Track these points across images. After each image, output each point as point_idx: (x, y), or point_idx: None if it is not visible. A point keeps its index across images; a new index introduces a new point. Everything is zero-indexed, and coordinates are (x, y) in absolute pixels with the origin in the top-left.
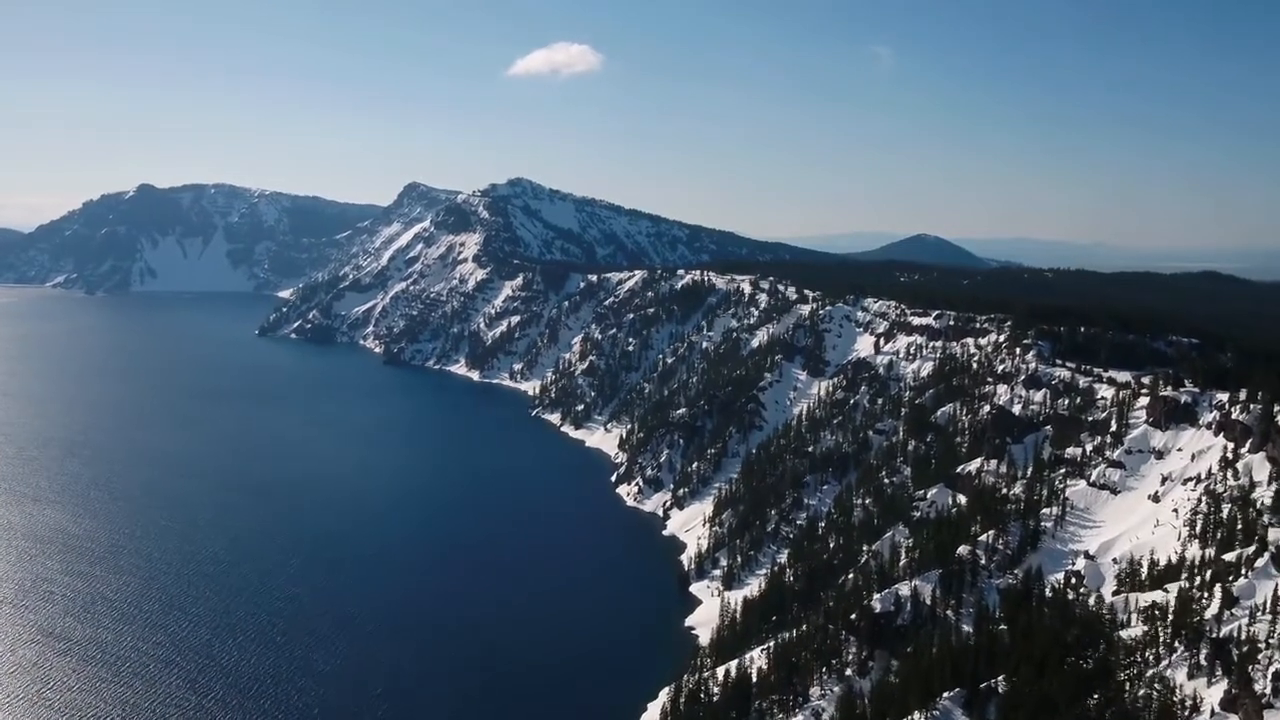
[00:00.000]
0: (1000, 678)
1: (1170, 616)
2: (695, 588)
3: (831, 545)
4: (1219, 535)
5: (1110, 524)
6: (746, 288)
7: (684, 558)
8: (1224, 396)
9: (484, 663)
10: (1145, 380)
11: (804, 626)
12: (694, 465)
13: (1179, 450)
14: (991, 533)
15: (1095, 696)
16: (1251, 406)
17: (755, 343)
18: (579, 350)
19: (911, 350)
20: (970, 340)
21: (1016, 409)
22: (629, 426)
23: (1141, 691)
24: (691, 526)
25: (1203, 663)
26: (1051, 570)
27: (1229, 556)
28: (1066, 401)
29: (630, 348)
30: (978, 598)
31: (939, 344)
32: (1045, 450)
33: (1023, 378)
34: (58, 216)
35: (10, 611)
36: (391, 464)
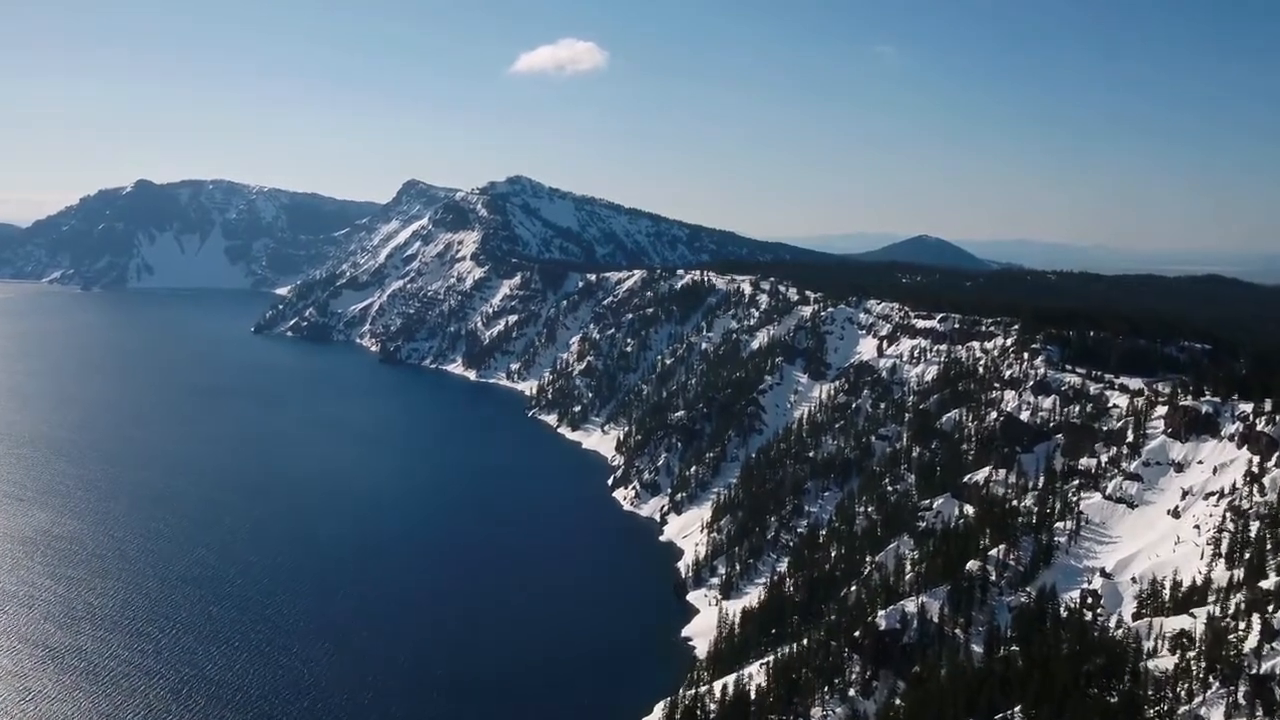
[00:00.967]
0: (1017, 709)
1: (1202, 647)
2: (692, 596)
3: (833, 555)
4: (1247, 556)
5: (1127, 540)
6: (747, 288)
7: (681, 565)
8: (1247, 407)
9: (473, 671)
10: (1159, 388)
11: (805, 641)
12: (692, 469)
13: (1200, 463)
14: (1002, 547)
15: None
16: (1277, 418)
17: (755, 344)
18: (577, 350)
19: (915, 354)
20: (976, 344)
21: (1025, 416)
22: (626, 428)
23: None
24: (689, 532)
25: (1241, 701)
26: (1065, 588)
27: (1267, 584)
28: (1077, 409)
29: (629, 348)
30: (988, 616)
31: (943, 347)
32: (1057, 460)
33: (1031, 383)
34: (55, 212)
35: None
36: (384, 465)
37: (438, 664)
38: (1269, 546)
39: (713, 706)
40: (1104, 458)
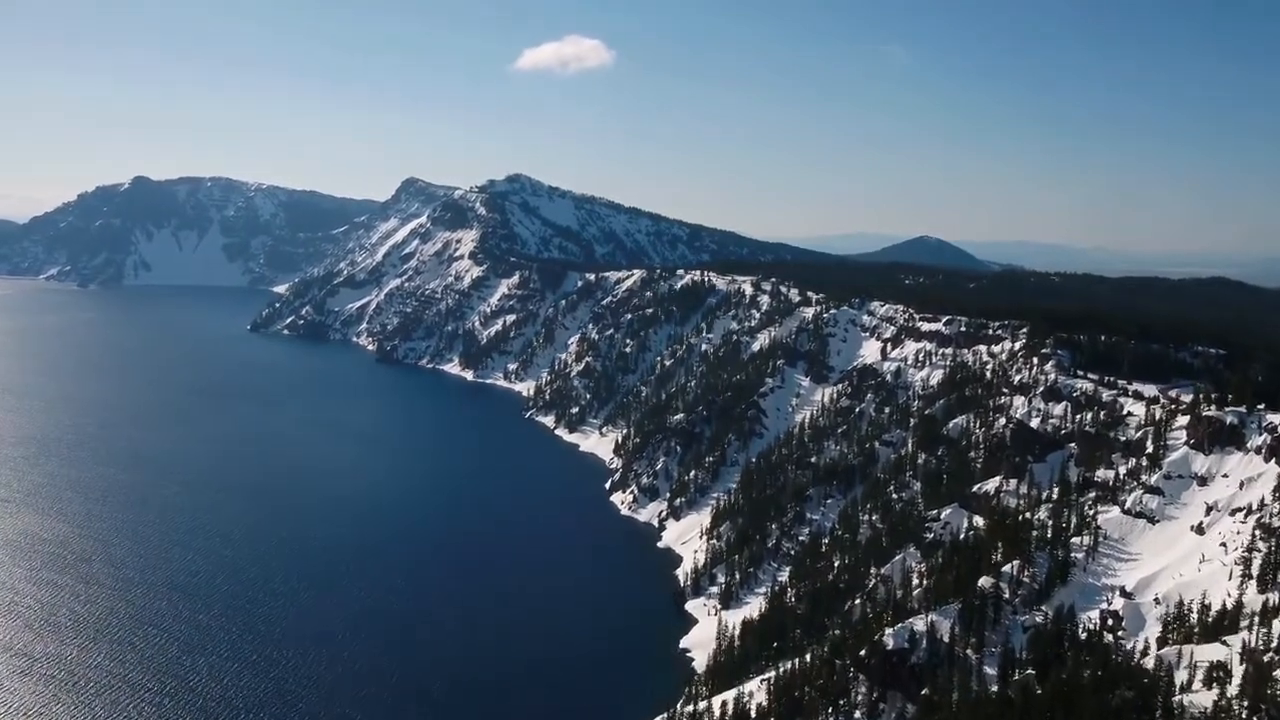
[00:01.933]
0: None
1: (1240, 682)
2: (691, 605)
3: (836, 564)
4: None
5: (1148, 557)
6: (748, 289)
7: (680, 573)
8: (1275, 418)
9: (467, 683)
10: (1174, 395)
11: (807, 657)
12: (691, 474)
13: (1224, 476)
14: (1016, 563)
15: None
16: None
17: (756, 346)
18: (575, 351)
19: (920, 357)
20: (983, 348)
21: (1035, 423)
22: (625, 431)
23: None
24: (688, 539)
25: None
26: (1083, 607)
27: None
28: (1090, 416)
29: (627, 349)
30: (1002, 637)
31: (949, 351)
32: (1071, 471)
33: (1041, 389)
34: (53, 208)
35: None
36: (378, 468)
37: (430, 676)
38: None
39: None
40: (1122, 469)
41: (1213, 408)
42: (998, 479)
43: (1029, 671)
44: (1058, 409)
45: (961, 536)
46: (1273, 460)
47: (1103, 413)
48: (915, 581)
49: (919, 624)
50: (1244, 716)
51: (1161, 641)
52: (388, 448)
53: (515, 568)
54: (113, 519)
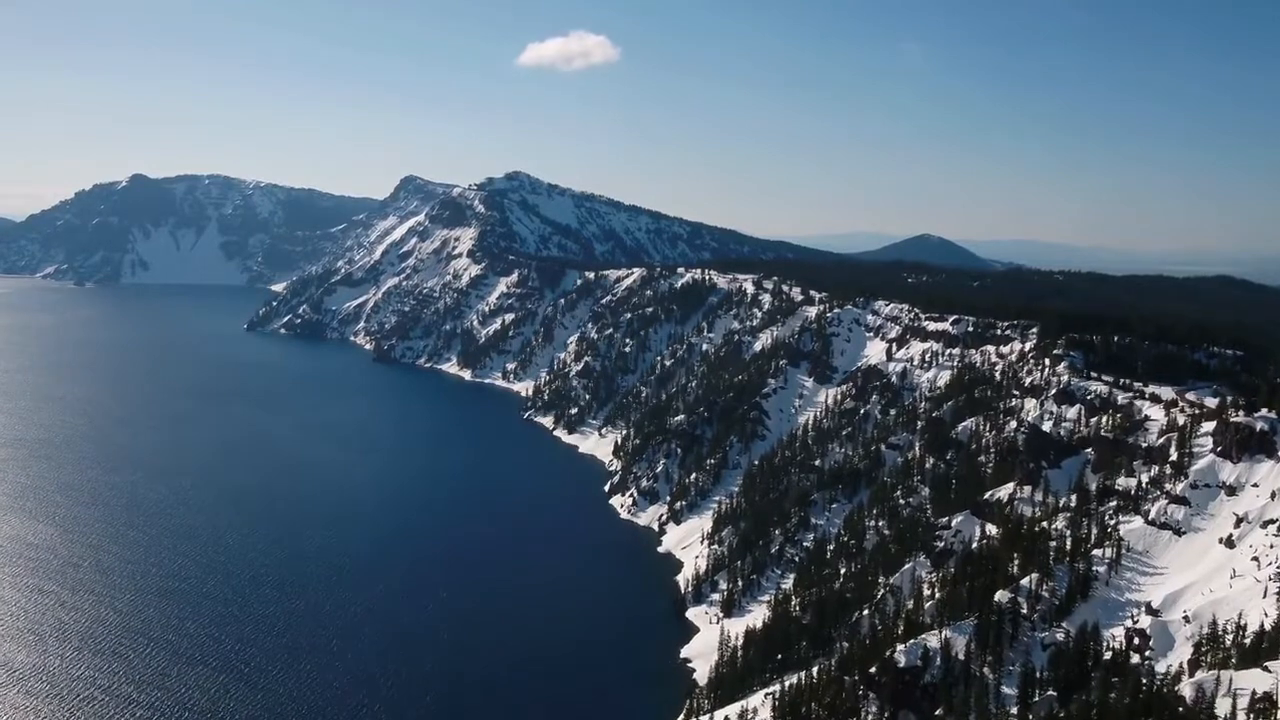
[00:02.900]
0: None
1: None
2: (692, 613)
3: (842, 572)
4: None
5: (1175, 571)
6: (749, 287)
7: (680, 579)
8: None
9: (462, 693)
10: (1193, 397)
11: (814, 671)
12: (692, 476)
13: (1254, 486)
14: (1034, 576)
15: None
16: None
17: (758, 346)
18: (574, 350)
19: (927, 357)
20: (991, 348)
21: (1047, 426)
22: (624, 432)
23: None
24: (689, 544)
25: None
26: (1107, 624)
27: None
28: (1107, 421)
29: (627, 349)
30: (1021, 655)
31: (956, 351)
32: (1089, 478)
33: (1054, 391)
34: (50, 206)
35: None
36: (372, 471)
37: (423, 686)
38: None
39: None
40: (1144, 477)
41: (1240, 413)
42: (1011, 485)
43: (1050, 693)
44: (1071, 412)
45: (974, 546)
46: None
47: (1118, 416)
48: (926, 593)
49: (932, 640)
50: None
51: (1194, 665)
52: (382, 449)
53: (512, 573)
54: (102, 522)
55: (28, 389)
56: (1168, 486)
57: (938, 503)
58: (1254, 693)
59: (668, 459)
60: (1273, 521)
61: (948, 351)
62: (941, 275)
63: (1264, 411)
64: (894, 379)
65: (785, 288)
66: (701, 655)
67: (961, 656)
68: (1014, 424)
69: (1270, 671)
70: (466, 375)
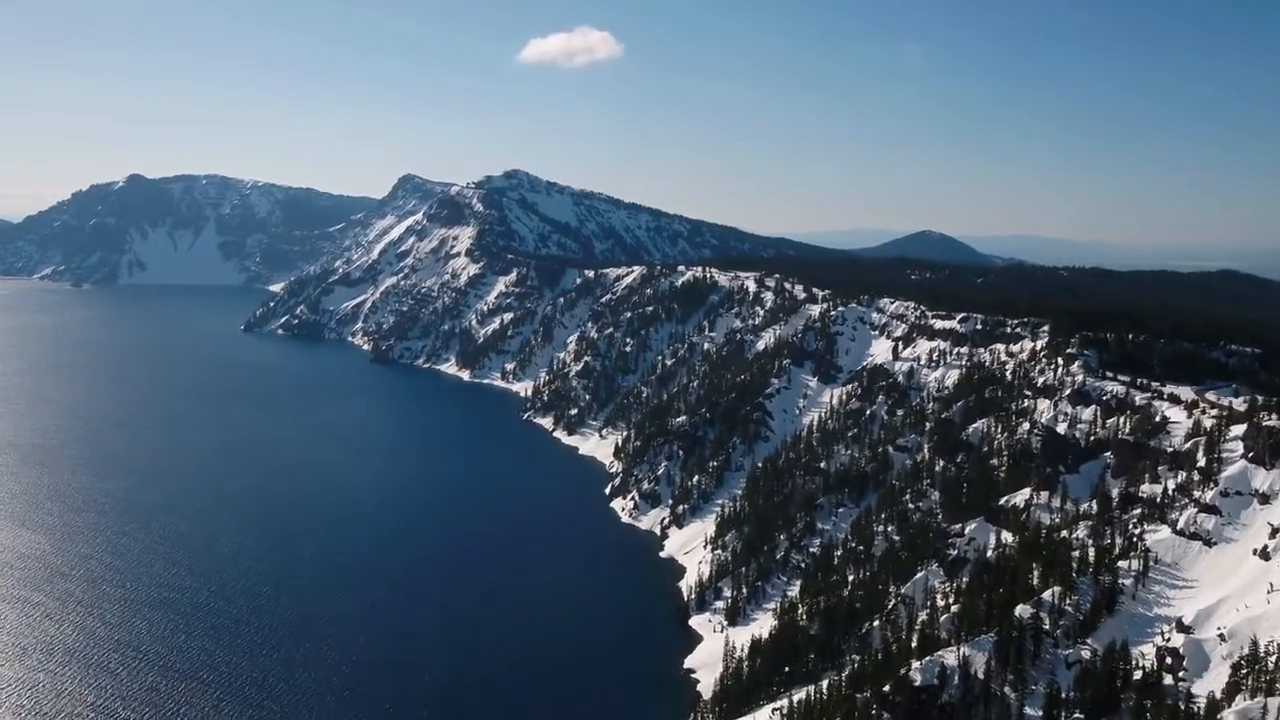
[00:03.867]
0: None
1: None
2: (695, 621)
3: (850, 580)
4: None
5: (1206, 585)
6: (751, 285)
7: (683, 585)
8: None
9: (459, 704)
10: (1214, 397)
11: (823, 685)
12: (694, 479)
13: None
14: (1057, 589)
15: None
16: None
17: (761, 345)
18: (574, 350)
19: (934, 356)
20: (1001, 347)
21: (1062, 428)
22: (625, 433)
23: None
24: (691, 548)
25: None
26: (1135, 641)
27: None
28: (1125, 423)
29: (628, 348)
30: (1044, 674)
31: (965, 350)
32: (1110, 484)
33: (1068, 392)
34: (47, 207)
35: None
36: (367, 474)
37: (420, 697)
38: None
39: None
40: (1170, 484)
41: (1273, 416)
42: (1027, 491)
43: (1078, 716)
44: (1086, 413)
45: (989, 555)
46: None
47: (1135, 417)
48: (940, 603)
49: (949, 657)
50: None
51: (1233, 688)
52: (380, 451)
53: (510, 578)
54: (94, 529)
55: (23, 392)
56: (1196, 494)
57: (949, 508)
58: None
59: (669, 461)
60: None
61: (956, 350)
62: (945, 272)
63: None
64: (900, 379)
65: (787, 285)
66: (706, 666)
67: (981, 675)
68: (1027, 426)
69: None
70: (465, 376)
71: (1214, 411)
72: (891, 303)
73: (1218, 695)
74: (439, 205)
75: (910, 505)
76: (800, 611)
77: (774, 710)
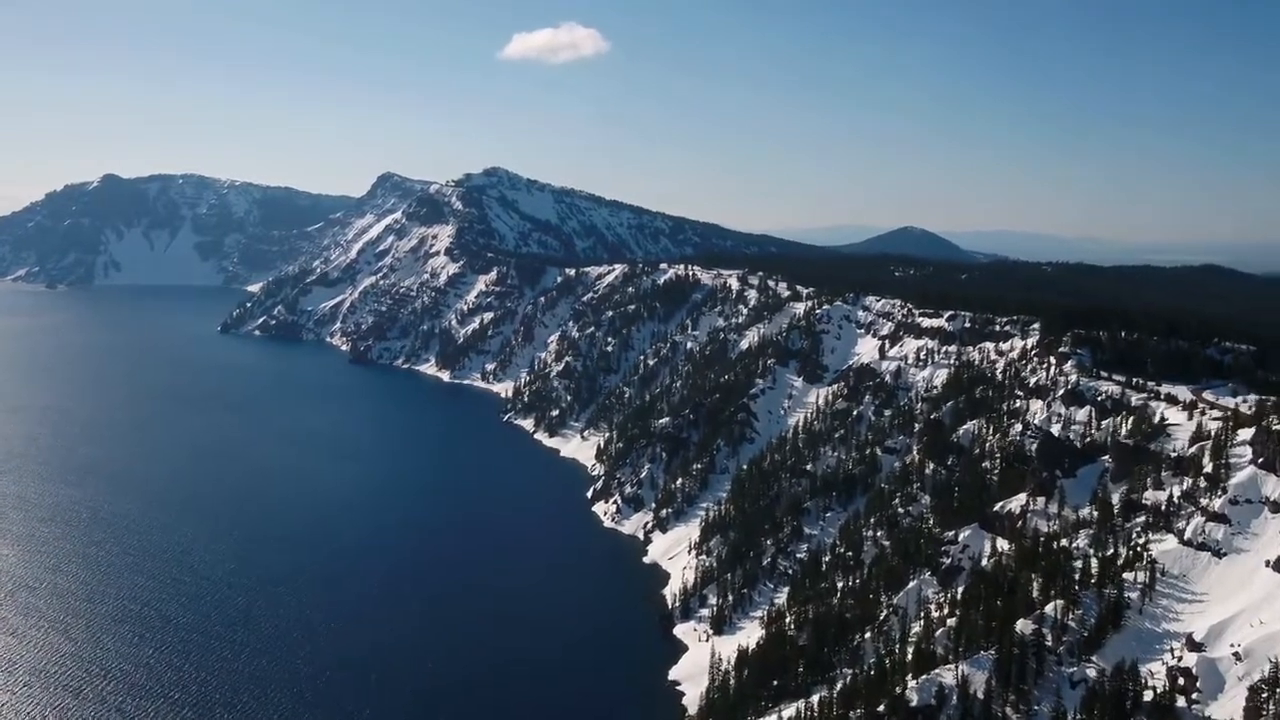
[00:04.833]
0: None
1: None
2: (680, 630)
3: (840, 587)
4: None
5: (1217, 599)
6: (734, 283)
7: (667, 592)
8: None
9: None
10: (1211, 397)
11: (814, 701)
12: (678, 482)
13: None
14: (1059, 603)
15: None
16: None
17: (745, 344)
18: (555, 350)
19: (922, 355)
20: (990, 345)
21: (1056, 429)
22: (607, 435)
23: None
24: (675, 554)
25: None
26: (1144, 659)
27: None
28: (1122, 425)
29: (609, 348)
30: (1049, 695)
31: (953, 349)
32: (1109, 489)
33: (1061, 392)
34: (20, 208)
35: None
36: (343, 480)
37: (396, 713)
38: None
39: None
40: (1175, 490)
41: None
42: (1023, 496)
43: None
44: (1081, 414)
45: (985, 564)
46: None
47: (1131, 419)
48: (934, 614)
49: (947, 676)
50: None
51: (1253, 713)
52: (357, 455)
53: (490, 586)
54: (61, 540)
55: None
56: (1203, 501)
57: (940, 512)
58: None
59: (652, 464)
60: None
61: (944, 349)
62: (929, 268)
63: None
64: (888, 378)
65: (771, 283)
66: (691, 678)
67: (981, 695)
68: (1019, 427)
69: None
70: (445, 376)
71: (1215, 413)
72: (877, 300)
73: None
74: (418, 204)
75: (900, 510)
76: (788, 621)
77: None
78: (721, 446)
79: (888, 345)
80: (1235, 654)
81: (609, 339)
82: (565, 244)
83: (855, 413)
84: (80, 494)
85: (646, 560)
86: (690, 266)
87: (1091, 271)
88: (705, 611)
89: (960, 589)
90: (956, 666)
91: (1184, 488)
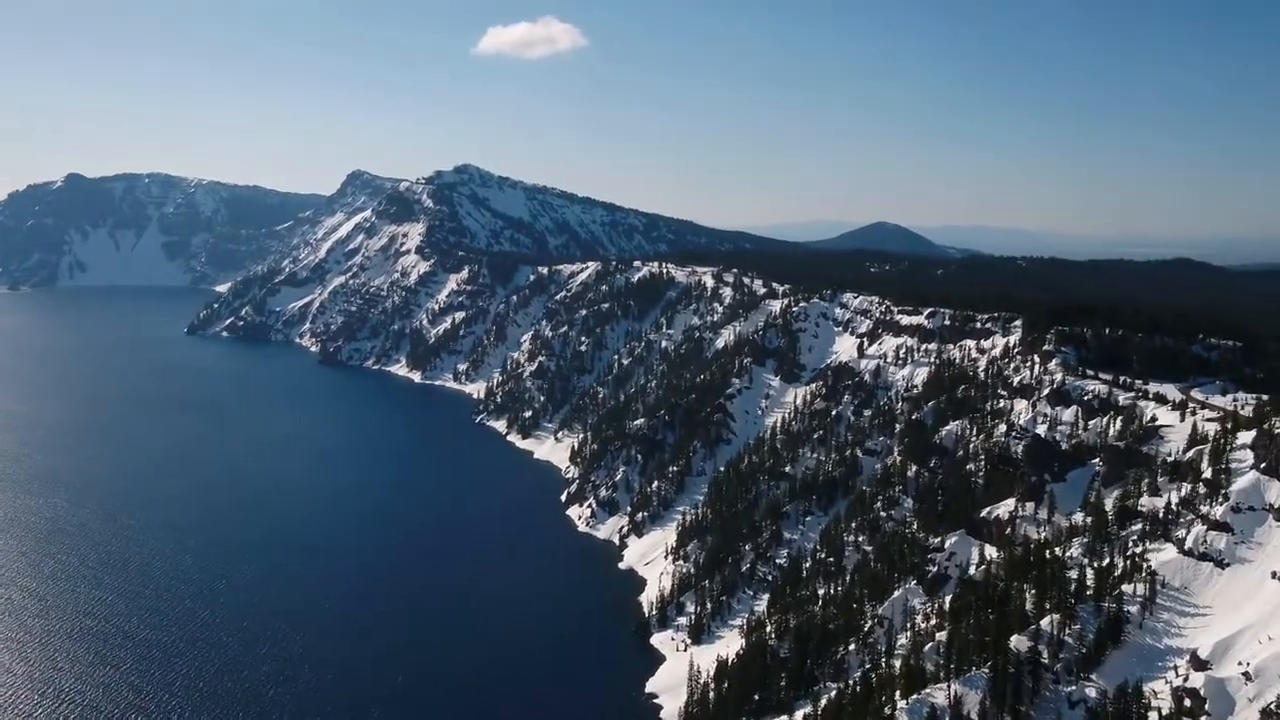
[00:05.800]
0: None
1: None
2: (657, 639)
3: (821, 594)
4: None
5: (1222, 613)
6: (709, 281)
7: (644, 599)
8: None
9: None
10: (1201, 395)
11: (797, 718)
12: (654, 485)
13: None
14: (1055, 617)
15: None
16: None
17: (720, 343)
18: (528, 349)
19: (901, 354)
20: (971, 343)
21: (1041, 430)
22: (581, 436)
23: None
24: (652, 559)
25: None
26: (1146, 677)
27: None
28: (1111, 426)
29: (583, 347)
30: (1048, 716)
31: (933, 347)
32: (1102, 493)
33: (1046, 392)
34: None
35: None
36: (311, 485)
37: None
38: None
39: None
40: (1173, 496)
41: None
42: (1011, 501)
43: None
44: (1067, 414)
45: (972, 573)
46: None
47: (1120, 419)
48: (921, 625)
49: (939, 696)
50: None
51: None
52: (325, 459)
53: (461, 593)
54: (16, 553)
55: None
56: (1203, 509)
57: (924, 517)
58: None
59: (627, 466)
60: None
61: (923, 347)
62: (904, 264)
63: None
64: (867, 377)
65: (746, 280)
66: (669, 690)
67: (975, 716)
68: (1004, 428)
69: None
70: (416, 377)
71: (1209, 413)
72: (855, 297)
73: None
74: (388, 202)
75: (883, 514)
76: (769, 630)
77: None
78: (698, 448)
79: (866, 343)
80: (1245, 673)
81: (582, 338)
82: (538, 242)
83: (834, 413)
84: (39, 503)
85: (622, 566)
86: (664, 264)
87: (1066, 266)
88: (683, 620)
89: (948, 599)
90: (948, 685)
91: (1182, 494)
